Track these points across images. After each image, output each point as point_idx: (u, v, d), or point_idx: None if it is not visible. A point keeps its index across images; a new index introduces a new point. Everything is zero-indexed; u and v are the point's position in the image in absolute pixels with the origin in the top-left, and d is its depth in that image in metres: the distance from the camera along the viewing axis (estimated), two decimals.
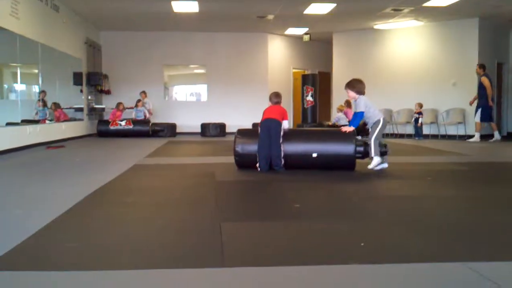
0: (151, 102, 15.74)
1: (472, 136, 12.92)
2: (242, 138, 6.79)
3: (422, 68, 14.84)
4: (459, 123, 13.80)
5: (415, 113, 14.15)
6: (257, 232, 3.43)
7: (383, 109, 15.47)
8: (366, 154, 6.59)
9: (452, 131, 14.15)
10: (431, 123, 14.12)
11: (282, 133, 6.52)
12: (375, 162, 6.51)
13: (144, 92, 15.59)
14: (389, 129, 15.38)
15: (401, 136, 14.96)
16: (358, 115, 6.67)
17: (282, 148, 6.49)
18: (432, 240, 3.22)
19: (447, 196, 4.94)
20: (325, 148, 6.59)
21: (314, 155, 6.52)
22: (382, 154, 6.56)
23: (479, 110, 12.61)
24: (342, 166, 6.54)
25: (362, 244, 3.08)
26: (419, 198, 4.83)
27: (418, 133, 14.01)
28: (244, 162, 6.75)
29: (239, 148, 6.70)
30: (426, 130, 14.18)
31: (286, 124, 6.64)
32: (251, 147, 6.64)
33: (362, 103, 6.67)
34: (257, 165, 6.55)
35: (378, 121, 6.63)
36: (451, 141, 13.05)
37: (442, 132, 14.21)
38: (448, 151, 10.05)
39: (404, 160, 8.40)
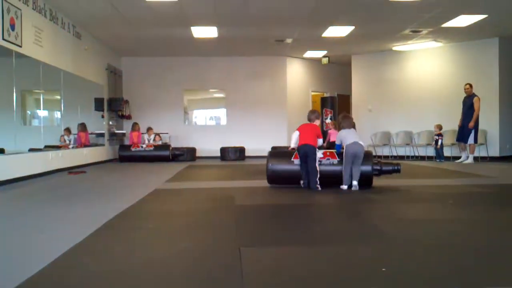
0: (157, 137, 15.78)
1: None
2: (273, 158, 7.59)
3: (441, 89, 14.75)
4: (481, 144, 13.63)
5: (435, 134, 14.02)
6: (276, 257, 3.41)
7: (403, 131, 15.42)
8: (381, 172, 7.40)
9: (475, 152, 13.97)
10: (452, 144, 13.96)
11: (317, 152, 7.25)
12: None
13: (150, 128, 15.68)
14: (409, 152, 15.26)
15: (422, 158, 14.81)
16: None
17: (318, 169, 7.13)
18: (455, 266, 3.16)
19: (470, 220, 4.86)
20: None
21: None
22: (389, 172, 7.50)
23: (473, 132, 12.62)
24: (363, 182, 7.11)
25: (384, 269, 3.03)
26: (440, 221, 4.76)
27: (439, 155, 13.84)
28: (275, 179, 7.56)
29: (271, 167, 7.45)
30: (447, 152, 14.01)
31: (320, 142, 7.46)
32: (281, 166, 7.48)
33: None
34: (301, 182, 7.30)
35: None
36: (473, 162, 12.87)
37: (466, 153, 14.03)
38: (470, 173, 9.91)
39: (424, 183, 8.31)
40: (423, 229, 4.38)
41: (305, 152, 7.17)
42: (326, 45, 15.06)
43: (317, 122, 7.64)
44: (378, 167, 7.38)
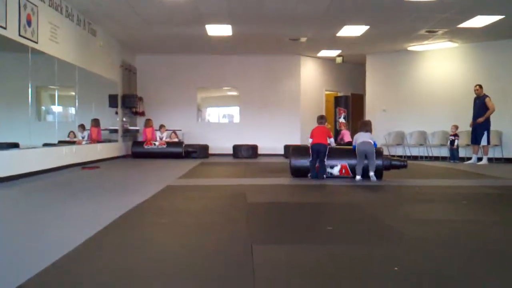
0: (173, 135, 15.81)
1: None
2: (295, 154, 9.05)
3: (457, 89, 14.63)
4: (496, 145, 13.51)
5: (450, 135, 13.91)
6: (289, 255, 3.40)
7: (417, 131, 15.33)
8: (390, 167, 8.69)
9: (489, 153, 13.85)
10: (467, 145, 13.83)
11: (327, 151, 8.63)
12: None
13: (163, 126, 15.70)
14: (423, 152, 15.17)
15: (436, 158, 14.71)
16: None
17: (326, 163, 8.62)
18: (467, 266, 3.13)
19: (483, 221, 4.82)
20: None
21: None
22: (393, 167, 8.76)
23: (485, 133, 12.60)
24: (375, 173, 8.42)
25: (396, 268, 3.02)
26: (453, 222, 4.73)
27: (454, 155, 13.74)
28: (296, 171, 8.92)
29: (293, 161, 8.92)
30: (461, 153, 13.90)
31: (332, 142, 8.88)
32: (301, 161, 8.87)
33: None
34: (309, 174, 8.72)
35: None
36: (488, 163, 12.75)
37: (479, 154, 13.90)
38: (484, 174, 9.83)
39: (439, 183, 8.26)
40: (436, 229, 4.35)
41: (318, 150, 8.56)
42: (340, 45, 15.01)
43: (327, 125, 9.20)
44: (388, 162, 8.67)
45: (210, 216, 4.99)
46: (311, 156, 8.63)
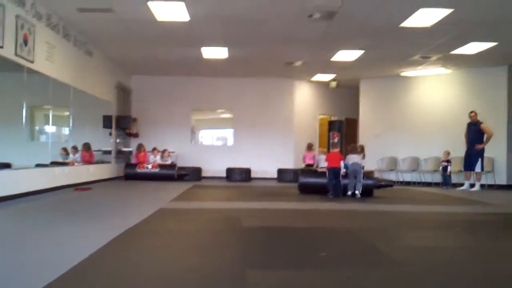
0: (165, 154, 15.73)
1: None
2: (304, 174, 11.05)
3: (449, 115, 14.71)
4: (488, 172, 13.56)
5: (443, 161, 13.94)
6: (282, 280, 3.37)
7: (410, 157, 15.37)
8: (379, 186, 10.33)
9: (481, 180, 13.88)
10: (459, 171, 13.86)
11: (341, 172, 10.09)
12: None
13: (155, 148, 15.63)
14: (416, 177, 15.20)
15: (428, 184, 14.73)
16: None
17: (341, 184, 9.97)
18: None
19: (477, 248, 4.81)
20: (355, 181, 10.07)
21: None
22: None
23: (480, 160, 12.61)
24: (366, 192, 9.98)
25: None
26: (446, 249, 4.71)
27: (446, 181, 13.76)
28: (305, 189, 10.62)
29: (302, 179, 10.76)
30: (454, 179, 13.92)
31: (342, 165, 10.08)
32: (309, 179, 10.71)
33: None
34: (329, 193, 9.92)
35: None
36: (481, 190, 12.77)
37: (472, 181, 13.92)
38: (477, 200, 9.84)
39: (432, 210, 8.27)
40: (430, 255, 4.33)
41: (334, 172, 9.95)
42: (335, 69, 15.12)
43: (337, 150, 11.14)
44: (377, 182, 10.39)
45: (204, 240, 4.95)
46: (327, 178, 10.04)
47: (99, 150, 13.39)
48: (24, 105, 8.77)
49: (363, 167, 10.27)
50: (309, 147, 15.07)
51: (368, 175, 10.42)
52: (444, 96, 15.13)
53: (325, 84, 17.49)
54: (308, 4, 8.78)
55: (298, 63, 14.19)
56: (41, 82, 9.65)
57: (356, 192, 9.81)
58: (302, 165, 14.03)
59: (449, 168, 13.70)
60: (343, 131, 16.85)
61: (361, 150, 12.43)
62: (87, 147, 12.31)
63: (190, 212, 7.35)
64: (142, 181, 14.08)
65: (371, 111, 16.76)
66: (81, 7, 9.32)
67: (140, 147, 15.51)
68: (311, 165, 14.18)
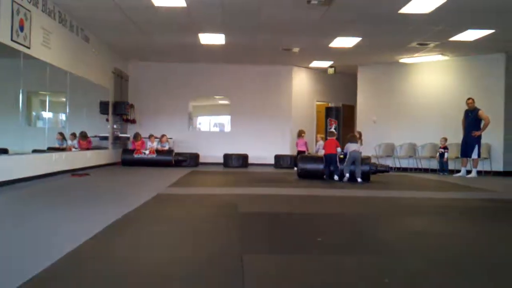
0: (163, 139, 15.73)
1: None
2: (303, 160, 11.48)
3: (446, 102, 14.72)
4: (485, 158, 13.59)
5: (440, 148, 13.97)
6: (279, 265, 3.39)
7: (407, 143, 15.39)
8: (376, 172, 10.66)
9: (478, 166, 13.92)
10: (456, 158, 13.89)
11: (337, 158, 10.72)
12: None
13: (152, 135, 15.61)
14: (413, 164, 15.24)
15: (425, 170, 14.77)
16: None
17: (338, 166, 10.64)
18: (456, 278, 3.14)
19: (473, 234, 4.84)
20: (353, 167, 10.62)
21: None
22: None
23: (476, 146, 12.64)
24: (363, 177, 10.40)
25: (387, 280, 3.02)
26: (444, 235, 4.74)
27: (443, 168, 13.80)
28: (304, 174, 11.10)
29: (301, 165, 11.23)
30: (451, 165, 13.95)
31: (339, 150, 10.75)
32: (308, 165, 11.20)
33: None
34: (324, 176, 10.69)
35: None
36: (477, 176, 12.82)
37: (468, 167, 13.97)
38: (474, 186, 9.88)
39: (429, 195, 8.29)
40: (426, 241, 4.36)
41: (330, 158, 10.66)
42: (332, 55, 15.08)
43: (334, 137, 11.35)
44: (374, 168, 10.71)
45: (200, 225, 4.97)
46: (324, 163, 10.75)
47: (96, 136, 13.37)
48: (21, 91, 8.74)
49: (360, 153, 10.58)
50: (300, 134, 15.18)
51: (365, 161, 10.68)
52: (441, 83, 15.12)
53: (323, 71, 17.46)
54: None
55: (296, 49, 14.14)
56: (38, 67, 9.61)
57: (358, 179, 10.23)
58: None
59: (445, 155, 13.73)
60: (340, 118, 16.85)
61: (359, 137, 12.53)
62: (83, 135, 12.27)
63: (188, 198, 7.36)
64: (139, 167, 14.09)
65: (369, 97, 16.75)
66: None
67: (137, 136, 15.45)
68: (302, 152, 14.27)
